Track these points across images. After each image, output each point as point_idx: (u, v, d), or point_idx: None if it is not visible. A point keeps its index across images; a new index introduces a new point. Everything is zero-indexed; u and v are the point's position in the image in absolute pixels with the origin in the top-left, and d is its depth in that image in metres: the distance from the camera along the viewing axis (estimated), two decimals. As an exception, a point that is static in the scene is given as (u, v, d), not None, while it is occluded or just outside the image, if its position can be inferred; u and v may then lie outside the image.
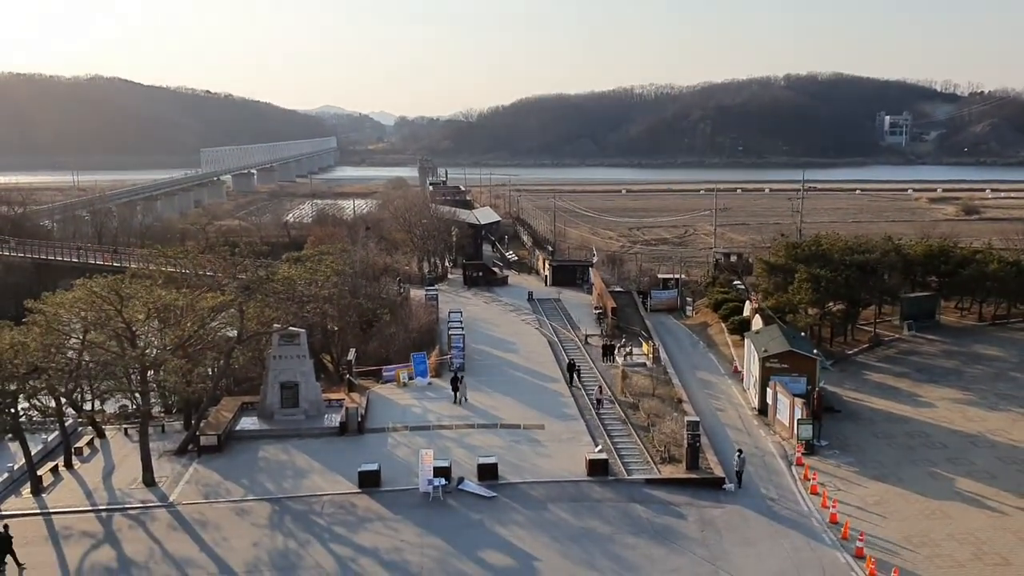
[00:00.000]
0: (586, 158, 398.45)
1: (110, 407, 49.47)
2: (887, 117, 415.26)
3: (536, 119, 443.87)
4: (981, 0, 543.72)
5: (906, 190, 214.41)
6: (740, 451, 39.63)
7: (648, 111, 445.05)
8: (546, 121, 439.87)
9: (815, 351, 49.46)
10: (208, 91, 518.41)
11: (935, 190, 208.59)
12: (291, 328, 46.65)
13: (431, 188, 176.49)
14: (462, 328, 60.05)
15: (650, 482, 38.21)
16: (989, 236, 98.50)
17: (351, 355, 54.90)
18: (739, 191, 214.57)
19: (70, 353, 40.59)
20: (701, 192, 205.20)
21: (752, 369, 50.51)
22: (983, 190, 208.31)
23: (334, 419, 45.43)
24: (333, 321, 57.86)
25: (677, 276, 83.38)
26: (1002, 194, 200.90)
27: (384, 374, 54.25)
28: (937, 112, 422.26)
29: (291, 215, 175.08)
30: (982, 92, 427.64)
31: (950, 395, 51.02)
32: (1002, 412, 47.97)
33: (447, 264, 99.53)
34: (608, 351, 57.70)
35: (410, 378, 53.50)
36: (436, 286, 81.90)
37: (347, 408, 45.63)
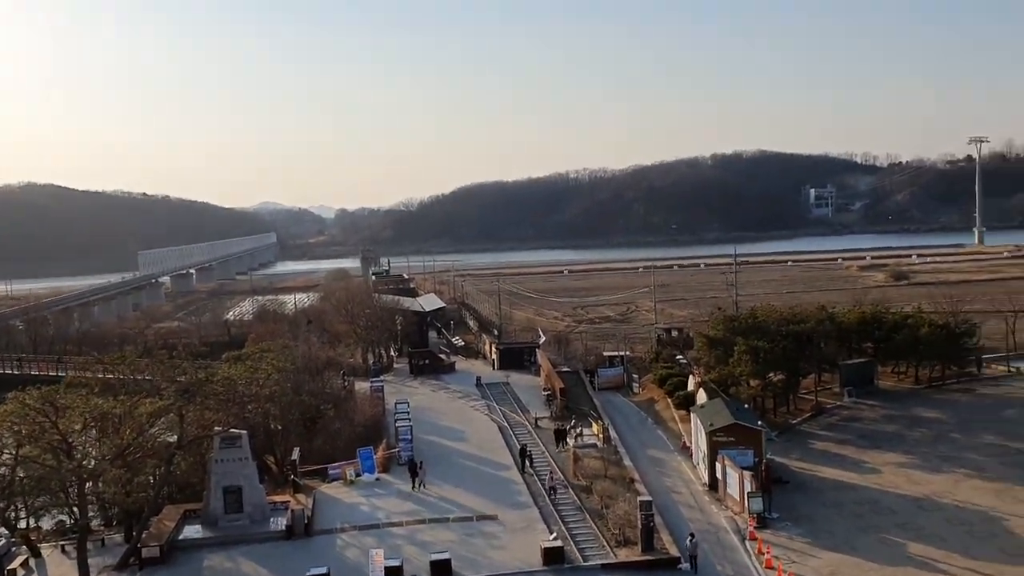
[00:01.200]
0: (526, 241, 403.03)
1: (46, 523, 47.52)
2: (812, 190, 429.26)
3: (476, 206, 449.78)
4: (890, 77, 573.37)
5: (836, 259, 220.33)
6: (692, 535, 39.36)
7: (584, 194, 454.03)
8: (486, 207, 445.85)
9: (760, 423, 50.00)
10: (145, 194, 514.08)
11: (864, 258, 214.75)
12: (232, 430, 45.69)
13: (374, 278, 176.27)
14: (409, 419, 59.44)
15: (606, 567, 37.82)
16: (919, 300, 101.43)
17: (295, 454, 53.86)
18: (675, 267, 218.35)
19: (1, 470, 39.14)
20: (639, 270, 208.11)
21: (700, 444, 50.80)
22: (910, 255, 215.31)
23: (280, 522, 44.25)
24: (276, 420, 56.80)
25: (622, 353, 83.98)
26: (927, 259, 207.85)
27: (330, 472, 53.20)
28: (860, 183, 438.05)
29: (231, 313, 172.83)
30: (900, 163, 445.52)
31: (894, 459, 51.82)
32: (946, 474, 48.80)
33: (393, 353, 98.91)
34: (560, 435, 57.50)
35: (357, 475, 52.54)
36: (382, 377, 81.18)
37: (293, 510, 44.53)
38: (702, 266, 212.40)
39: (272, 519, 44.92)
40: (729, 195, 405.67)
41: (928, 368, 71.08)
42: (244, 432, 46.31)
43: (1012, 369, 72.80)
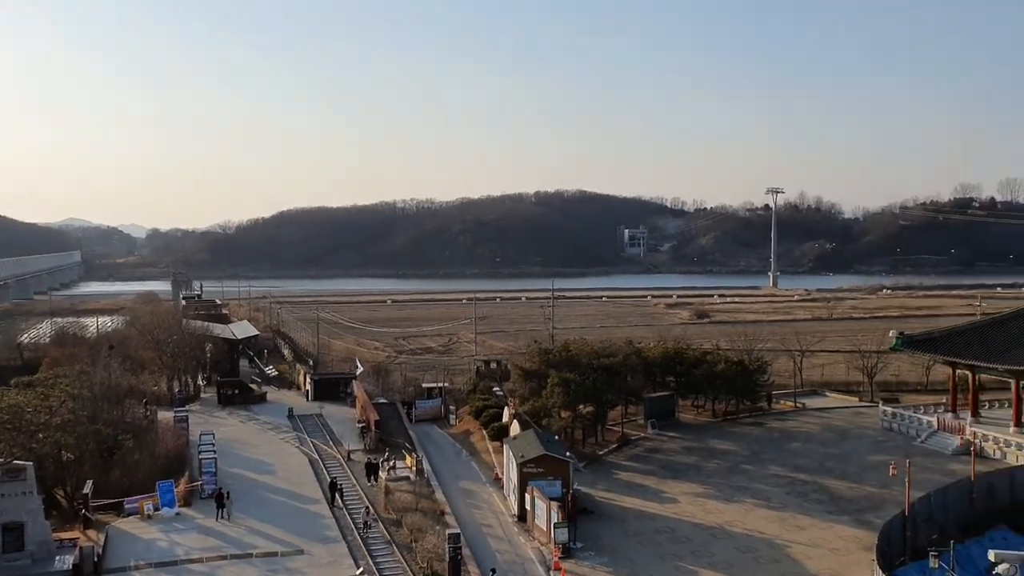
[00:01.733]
0: (351, 269, 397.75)
1: None
2: (626, 231, 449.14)
3: (299, 231, 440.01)
4: (699, 131, 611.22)
5: (646, 297, 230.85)
6: (493, 569, 40.04)
7: (410, 224, 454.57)
8: (309, 233, 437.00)
9: (568, 453, 51.54)
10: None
11: (671, 296, 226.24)
12: (15, 462, 42.42)
13: (184, 302, 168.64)
14: (214, 451, 57.15)
15: (412, 600, 37.69)
16: (718, 338, 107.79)
17: (88, 488, 50.54)
18: (498, 299, 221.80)
19: None
20: (463, 301, 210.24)
21: (511, 475, 51.70)
22: (712, 296, 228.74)
23: (67, 561, 41.33)
24: (68, 451, 53.15)
25: (441, 385, 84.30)
26: (727, 299, 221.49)
27: (126, 506, 50.29)
28: (669, 226, 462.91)
29: (26, 336, 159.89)
30: (705, 208, 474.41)
31: (691, 490, 54.67)
32: (737, 504, 51.93)
33: (200, 383, 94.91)
34: (371, 469, 56.93)
35: (156, 509, 49.91)
36: (187, 407, 77.62)
37: (81, 547, 41.76)
38: (523, 299, 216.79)
39: (58, 558, 41.87)
40: (550, 232, 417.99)
41: (724, 402, 75.60)
42: (30, 464, 43.10)
43: (798, 404, 78.54)
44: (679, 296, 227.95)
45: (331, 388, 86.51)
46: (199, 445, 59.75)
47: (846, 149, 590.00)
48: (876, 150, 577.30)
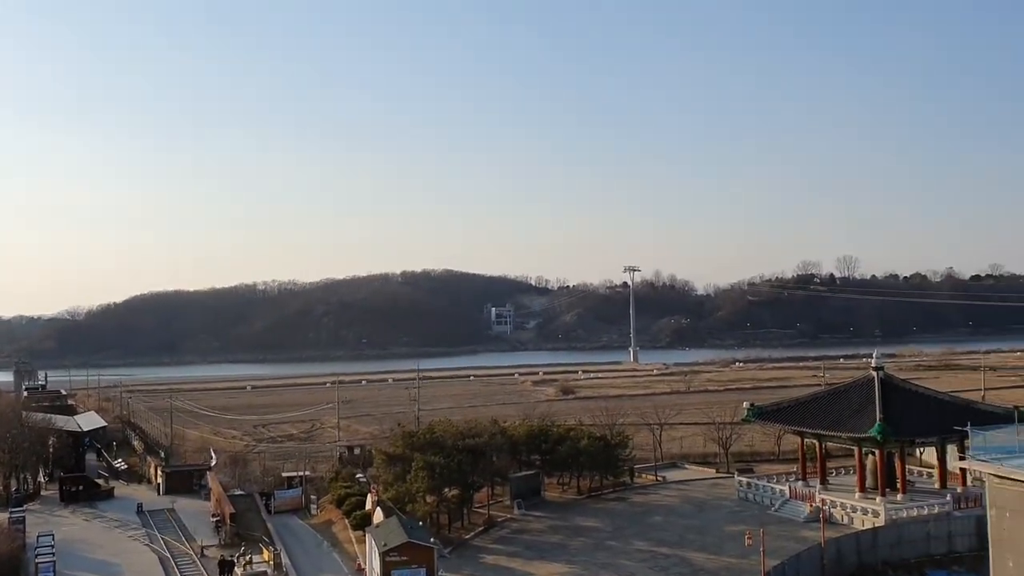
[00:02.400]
0: (209, 355, 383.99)
1: None
2: (493, 309, 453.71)
3: (153, 316, 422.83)
4: (558, 209, 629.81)
5: (513, 374, 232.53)
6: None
7: (272, 307, 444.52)
8: (164, 318, 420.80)
9: (432, 540, 50.77)
10: None
11: (537, 373, 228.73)
12: None
13: (26, 393, 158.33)
14: (53, 554, 53.34)
15: None
16: (582, 414, 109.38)
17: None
18: (364, 382, 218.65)
19: None
20: (327, 385, 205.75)
21: (374, 565, 50.37)
22: (576, 372, 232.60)
23: None
24: None
25: (302, 473, 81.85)
26: (591, 375, 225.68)
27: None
28: (534, 304, 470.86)
29: None
30: (568, 286, 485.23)
31: (557, 570, 54.63)
32: (601, 580, 52.20)
33: (42, 479, 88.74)
34: (226, 566, 54.27)
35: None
36: (25, 506, 72.41)
37: None
38: (390, 381, 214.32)
39: None
40: (418, 311, 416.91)
41: (588, 478, 76.37)
42: None
43: (659, 478, 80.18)
44: (545, 373, 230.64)
45: (184, 481, 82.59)
46: (36, 548, 55.66)
47: (698, 228, 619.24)
48: (725, 230, 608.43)
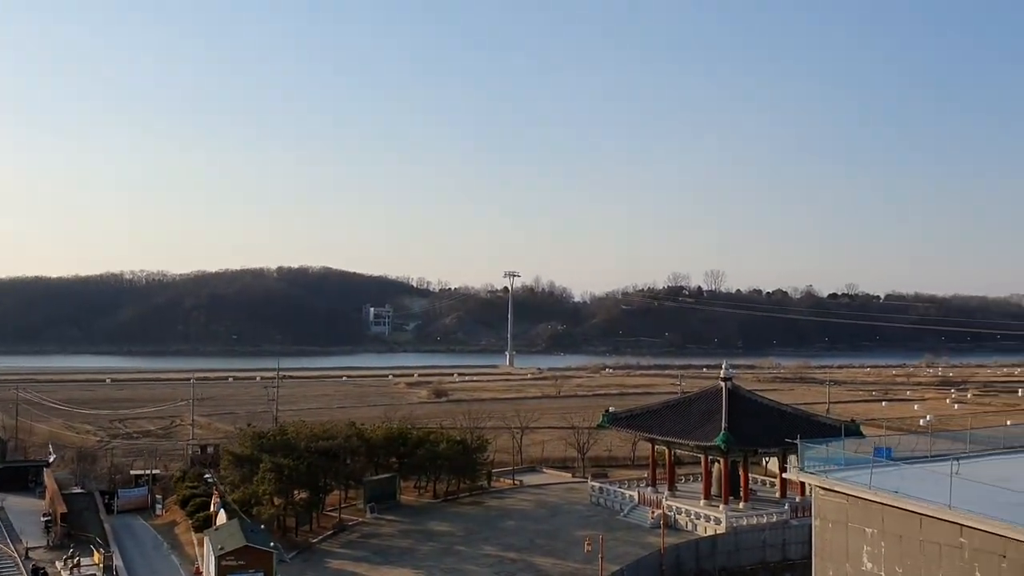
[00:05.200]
0: (71, 345, 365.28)
1: None
2: (372, 309, 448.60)
3: (11, 302, 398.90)
4: (441, 212, 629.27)
5: (387, 376, 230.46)
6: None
7: (140, 297, 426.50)
8: (22, 305, 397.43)
9: (273, 544, 49.46)
10: None
11: (412, 375, 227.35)
12: None
13: None
14: None
15: None
16: (454, 416, 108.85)
17: None
18: (231, 379, 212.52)
19: None
20: (192, 381, 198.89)
21: (211, 569, 48.73)
22: (451, 375, 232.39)
23: None
24: None
25: (150, 472, 78.69)
26: (466, 378, 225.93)
27: None
28: (414, 305, 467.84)
29: None
30: (449, 288, 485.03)
31: (403, 575, 54.07)
32: (445, 584, 51.98)
33: None
34: (38, 573, 51.15)
35: None
36: None
37: None
38: (258, 379, 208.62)
39: None
40: (293, 309, 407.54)
41: (446, 482, 76.15)
42: None
43: (516, 482, 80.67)
44: (420, 375, 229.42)
45: (17, 477, 78.22)
46: None
47: (579, 238, 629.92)
48: (605, 240, 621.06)
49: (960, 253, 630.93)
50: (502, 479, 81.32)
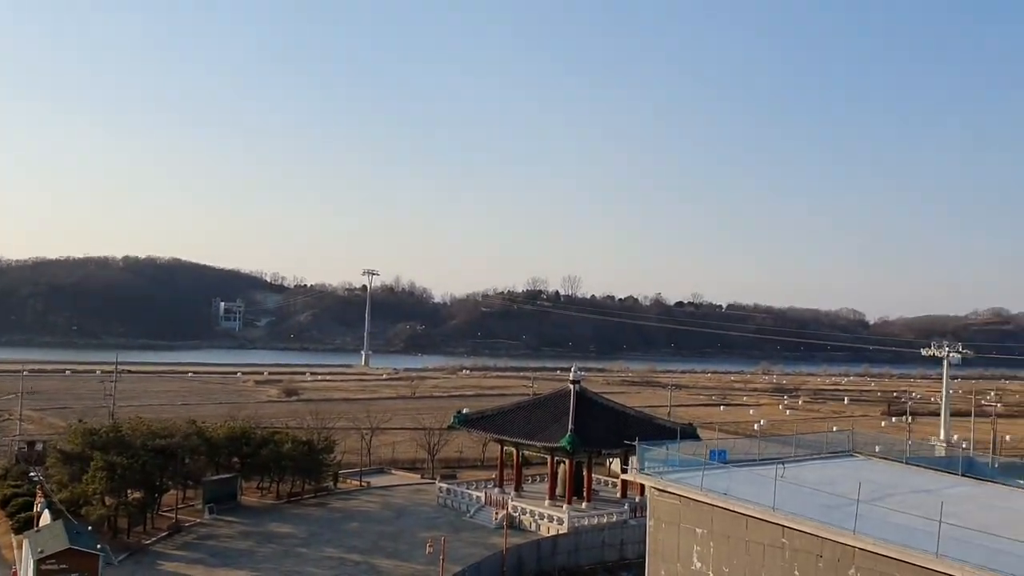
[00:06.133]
0: None
1: None
2: (222, 303, 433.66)
3: None
4: (300, 206, 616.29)
5: (236, 373, 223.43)
6: None
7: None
8: None
9: (100, 546, 47.00)
10: None
11: (262, 373, 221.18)
12: None
13: None
14: None
15: None
16: (302, 417, 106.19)
17: None
18: (68, 372, 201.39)
19: None
20: (23, 373, 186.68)
21: (30, 574, 45.84)
22: (304, 373, 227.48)
23: None
24: None
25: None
26: (320, 377, 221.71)
27: None
28: (268, 301, 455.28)
29: None
30: (305, 285, 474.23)
31: (240, 578, 52.55)
32: (284, 587, 50.78)
33: None
34: None
35: None
36: None
37: None
38: (98, 372, 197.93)
39: None
40: (139, 300, 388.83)
41: (290, 483, 74.45)
42: None
43: (363, 483, 79.77)
44: (271, 373, 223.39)
45: None
46: None
47: (442, 238, 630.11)
48: (467, 241, 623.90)
49: (796, 268, 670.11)
50: (349, 480, 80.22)
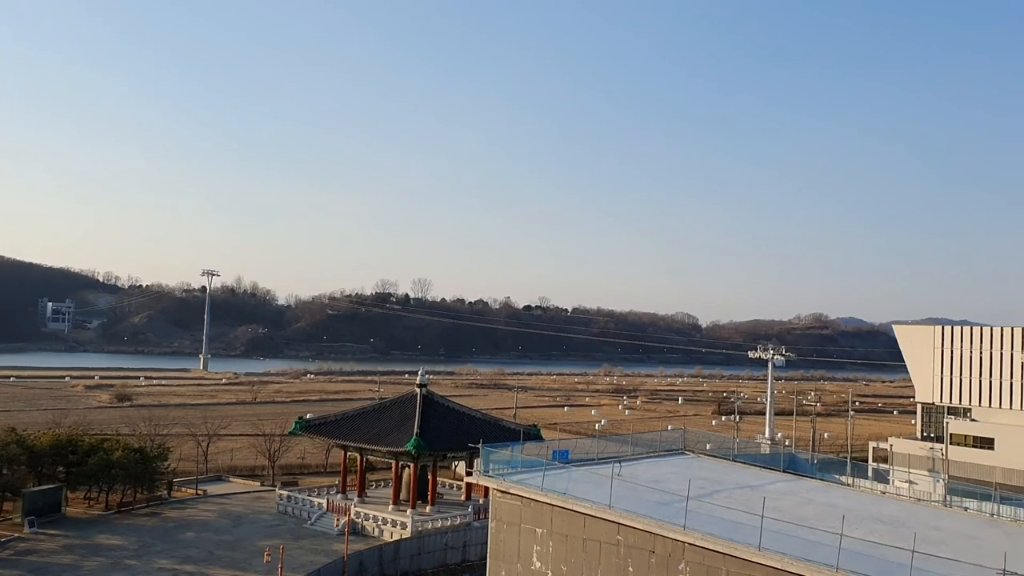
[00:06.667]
0: None
1: None
2: (50, 303, 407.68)
3: None
4: (131, 202, 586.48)
5: (64, 377, 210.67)
6: None
7: None
8: None
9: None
10: None
11: (93, 377, 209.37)
12: None
13: None
14: None
15: None
16: (135, 423, 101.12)
17: None
18: None
19: None
20: None
21: None
22: (138, 377, 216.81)
23: None
24: None
25: None
26: (155, 381, 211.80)
27: None
28: (100, 301, 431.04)
29: None
30: (141, 285, 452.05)
31: (62, 594, 49.56)
32: (111, 603, 48.22)
33: None
34: None
35: None
36: None
37: None
38: None
39: None
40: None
41: (120, 492, 70.80)
42: None
43: (200, 492, 76.76)
44: (102, 377, 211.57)
45: None
46: None
47: (287, 238, 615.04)
48: (314, 242, 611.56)
49: (638, 274, 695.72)
50: (185, 489, 77.04)
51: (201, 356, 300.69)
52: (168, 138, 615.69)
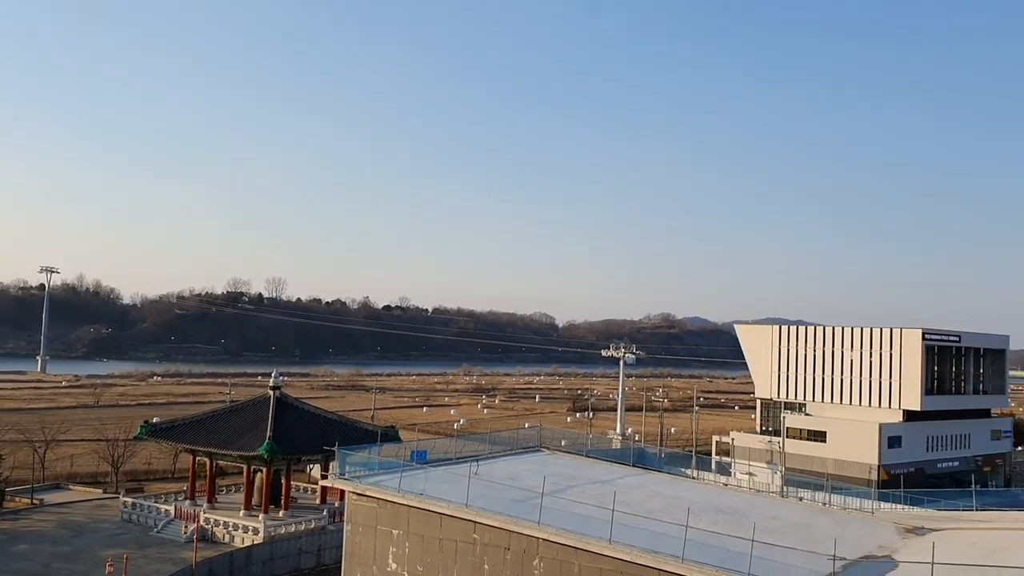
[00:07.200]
0: None
1: None
2: None
3: None
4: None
5: None
6: None
7: None
8: None
9: None
10: None
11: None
12: None
13: None
14: None
15: None
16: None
17: None
18: None
19: None
20: None
21: None
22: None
23: None
24: None
25: None
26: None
27: None
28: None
29: None
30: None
31: None
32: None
33: None
34: None
35: None
36: None
37: None
38: None
39: None
40: None
41: None
42: None
43: (35, 501, 72.44)
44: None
45: None
46: None
47: (132, 234, 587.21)
48: (160, 239, 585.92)
49: (498, 274, 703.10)
50: (18, 499, 72.44)
51: (39, 358, 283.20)
52: (9, 125, 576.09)
